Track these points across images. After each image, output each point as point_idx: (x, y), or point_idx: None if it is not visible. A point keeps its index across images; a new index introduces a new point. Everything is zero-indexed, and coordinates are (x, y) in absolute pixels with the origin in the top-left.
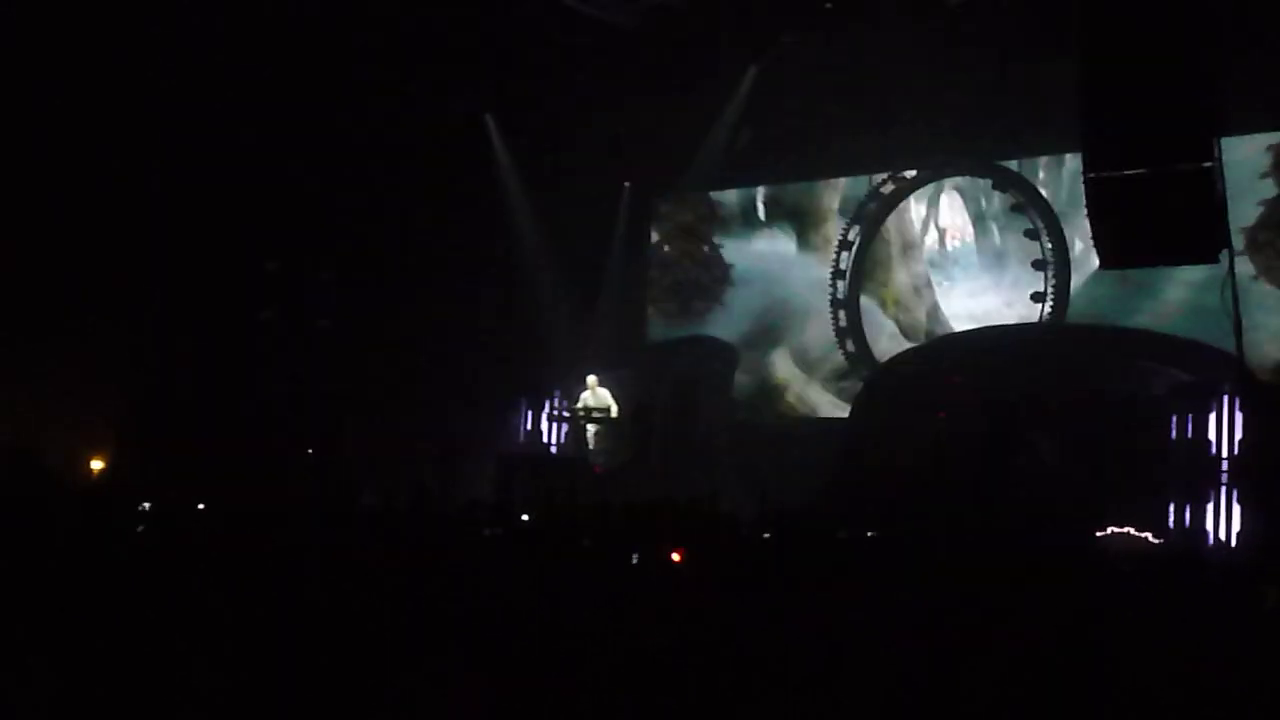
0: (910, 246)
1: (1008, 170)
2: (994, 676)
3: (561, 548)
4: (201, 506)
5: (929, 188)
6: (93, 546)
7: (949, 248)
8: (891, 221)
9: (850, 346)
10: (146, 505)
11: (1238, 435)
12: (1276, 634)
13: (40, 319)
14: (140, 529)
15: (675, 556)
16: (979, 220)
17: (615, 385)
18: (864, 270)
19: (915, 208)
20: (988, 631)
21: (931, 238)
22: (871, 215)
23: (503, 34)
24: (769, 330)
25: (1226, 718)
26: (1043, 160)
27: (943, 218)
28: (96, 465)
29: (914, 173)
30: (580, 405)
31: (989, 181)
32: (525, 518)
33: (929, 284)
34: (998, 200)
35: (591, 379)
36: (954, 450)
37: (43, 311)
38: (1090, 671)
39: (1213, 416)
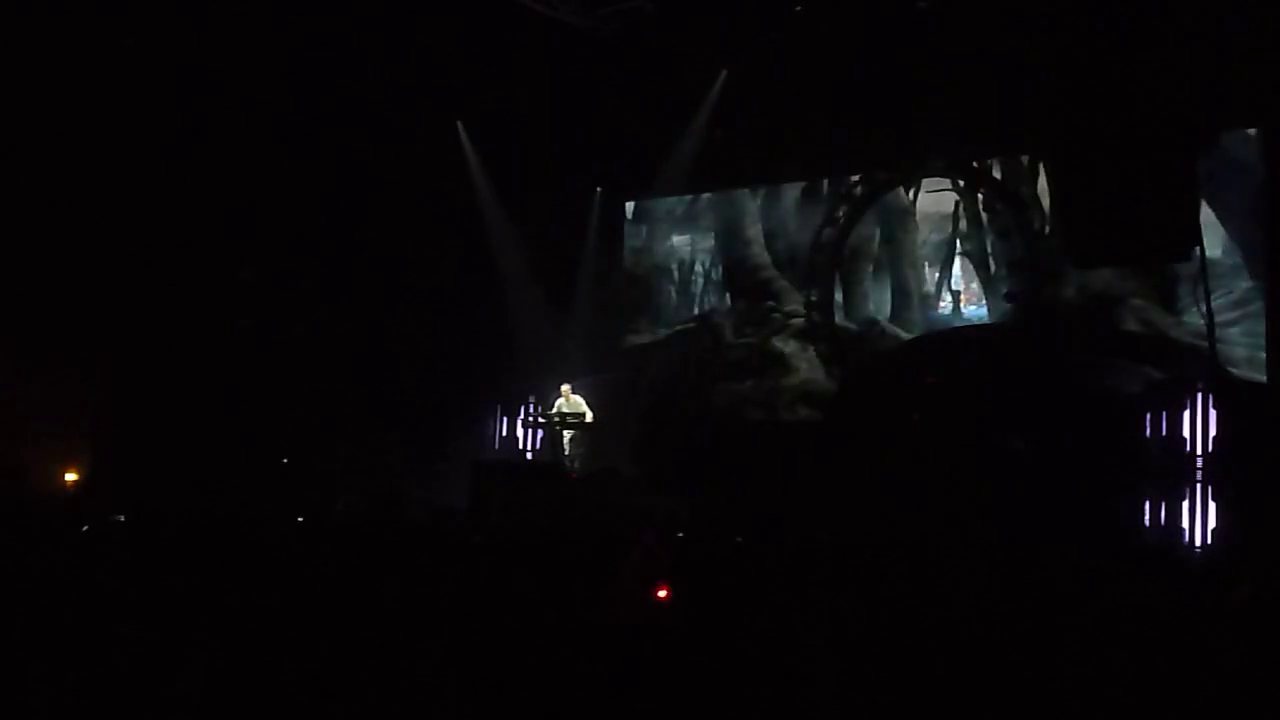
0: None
1: (980, 170)
2: (973, 676)
3: (536, 563)
4: (174, 516)
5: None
6: (66, 557)
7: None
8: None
9: (823, 351)
10: (121, 517)
11: (1212, 432)
12: (1246, 631)
13: (12, 331)
14: (114, 538)
15: (661, 594)
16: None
17: (590, 391)
18: (835, 282)
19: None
20: (965, 632)
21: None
22: (845, 216)
23: (472, 40)
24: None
25: (1197, 715)
26: (1015, 159)
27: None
28: (71, 477)
29: (885, 174)
30: (555, 412)
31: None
32: (501, 528)
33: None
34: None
35: (565, 387)
36: (929, 452)
37: (15, 323)
38: (1063, 669)
39: (1187, 414)
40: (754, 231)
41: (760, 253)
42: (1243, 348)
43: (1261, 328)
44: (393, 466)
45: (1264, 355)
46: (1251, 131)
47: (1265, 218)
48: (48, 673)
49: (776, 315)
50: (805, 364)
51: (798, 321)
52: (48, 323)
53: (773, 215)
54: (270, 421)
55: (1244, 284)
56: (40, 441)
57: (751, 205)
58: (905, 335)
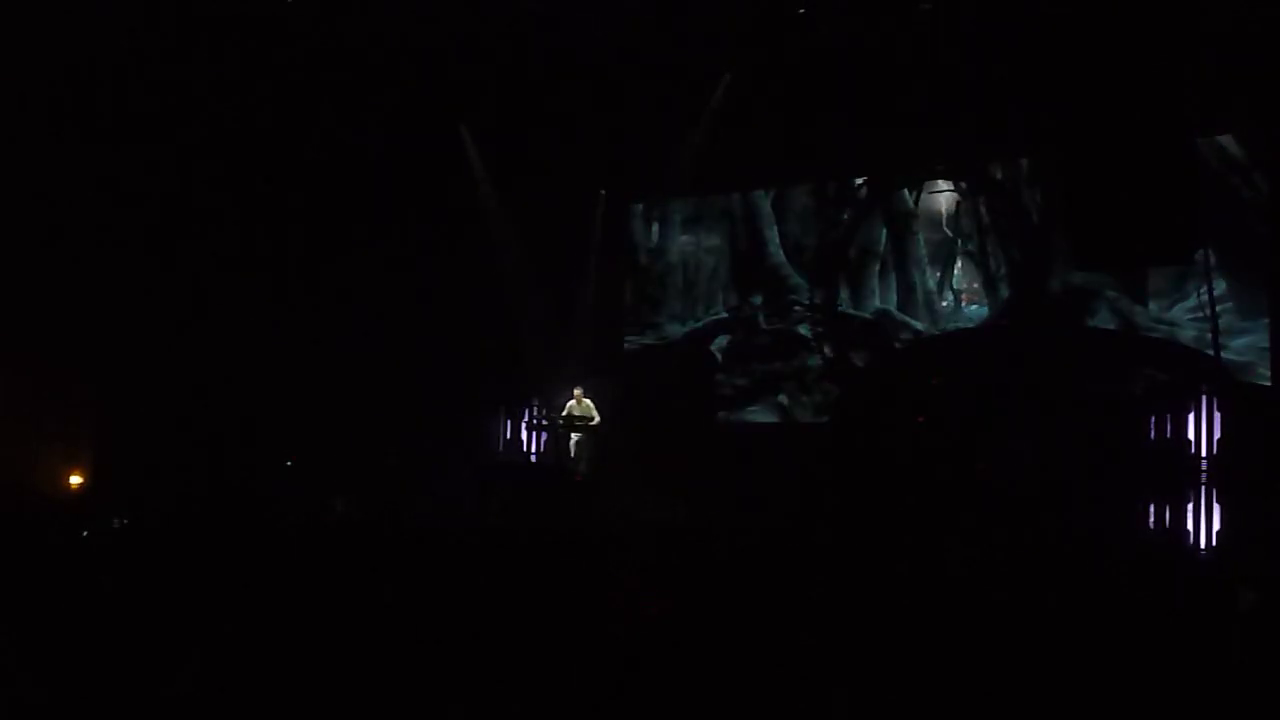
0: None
1: (983, 172)
2: (977, 675)
3: (538, 565)
4: (178, 517)
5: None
6: (71, 559)
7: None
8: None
9: (828, 352)
10: (123, 520)
11: (1216, 435)
12: (1252, 634)
13: (15, 334)
14: (116, 539)
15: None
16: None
17: (594, 394)
18: (840, 283)
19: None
20: (969, 633)
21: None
22: (850, 218)
23: (476, 44)
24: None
25: (1204, 716)
26: (1015, 162)
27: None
28: (75, 479)
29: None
30: (564, 414)
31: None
32: (504, 530)
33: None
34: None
35: (578, 391)
36: (934, 454)
37: (18, 327)
38: (1069, 671)
39: (1191, 417)
40: (770, 232)
41: (776, 251)
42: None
43: (1236, 323)
44: (397, 469)
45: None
46: (1223, 139)
47: (1267, 220)
48: (49, 672)
49: (799, 307)
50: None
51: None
52: (51, 326)
53: (781, 216)
54: (274, 423)
55: (1220, 284)
56: (44, 445)
57: (765, 205)
58: (916, 324)
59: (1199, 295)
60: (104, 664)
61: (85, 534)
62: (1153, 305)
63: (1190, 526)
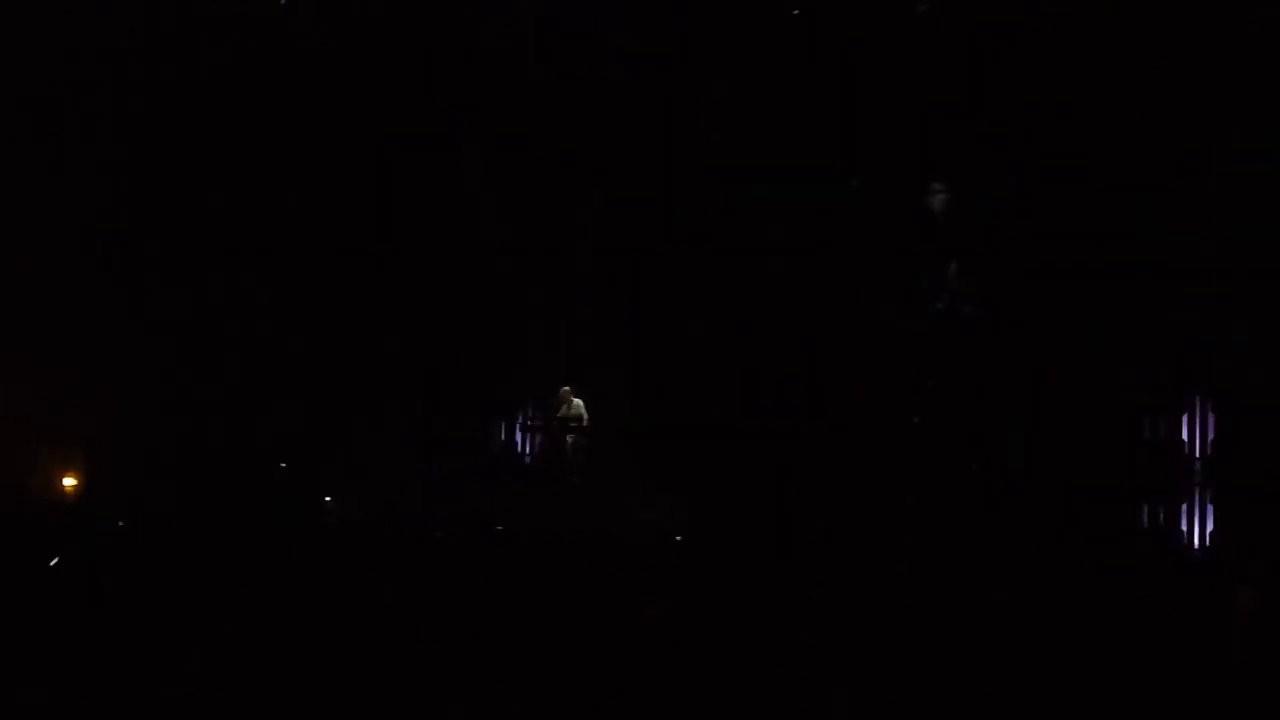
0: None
1: (980, 172)
2: (976, 674)
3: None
4: (174, 520)
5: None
6: (67, 559)
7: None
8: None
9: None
10: (120, 521)
11: (1210, 436)
12: (1249, 632)
13: (15, 335)
14: (115, 541)
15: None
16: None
17: (592, 395)
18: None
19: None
20: (969, 632)
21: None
22: (847, 220)
23: (476, 44)
24: None
25: (1202, 714)
26: (1016, 161)
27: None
28: (69, 482)
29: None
30: (559, 415)
31: None
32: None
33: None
34: None
35: (565, 390)
36: (930, 454)
37: (17, 327)
38: (1068, 670)
39: (1185, 418)
40: (769, 232)
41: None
42: None
43: (1233, 324)
44: (392, 471)
45: None
46: (1224, 137)
47: (1268, 219)
48: (51, 672)
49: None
50: None
51: None
52: (49, 327)
53: (779, 215)
54: (269, 427)
55: (1218, 284)
56: (42, 445)
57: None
58: (912, 325)
59: (1196, 295)
60: (104, 664)
61: (80, 539)
62: (1152, 305)
63: (1184, 527)
